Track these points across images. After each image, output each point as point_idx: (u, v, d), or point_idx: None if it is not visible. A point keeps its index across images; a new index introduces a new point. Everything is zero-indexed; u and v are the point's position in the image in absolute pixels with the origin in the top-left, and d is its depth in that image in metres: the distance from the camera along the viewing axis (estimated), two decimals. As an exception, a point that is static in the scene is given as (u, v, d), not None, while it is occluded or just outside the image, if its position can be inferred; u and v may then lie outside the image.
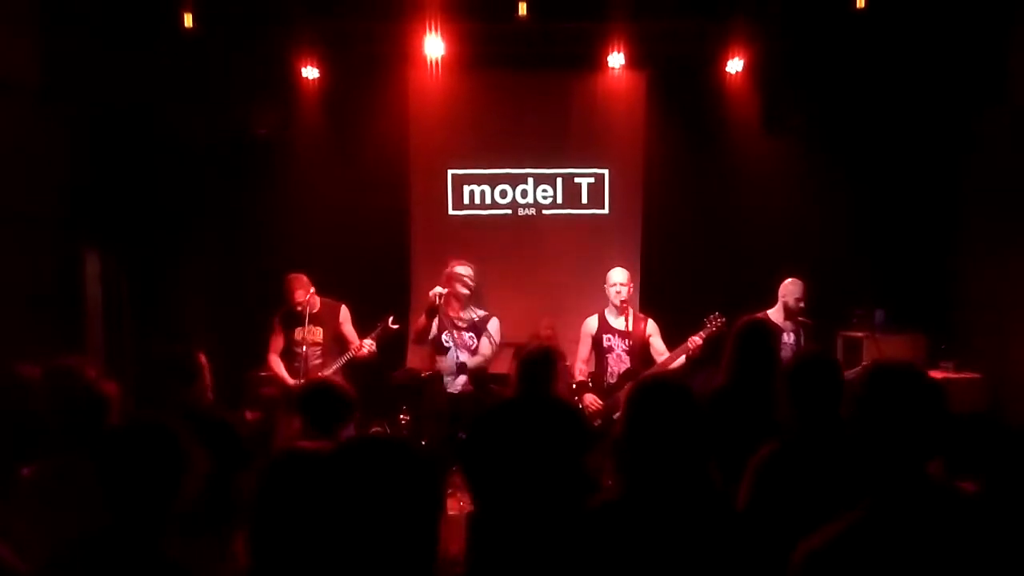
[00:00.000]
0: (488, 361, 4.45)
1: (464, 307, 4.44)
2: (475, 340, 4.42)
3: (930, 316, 5.55)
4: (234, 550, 2.05)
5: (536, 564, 1.77)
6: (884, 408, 1.50)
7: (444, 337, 4.40)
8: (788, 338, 4.67)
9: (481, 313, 4.49)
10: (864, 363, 4.97)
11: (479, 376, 4.42)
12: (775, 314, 4.71)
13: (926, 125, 5.66)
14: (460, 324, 4.41)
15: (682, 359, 4.37)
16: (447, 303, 4.41)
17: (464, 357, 4.38)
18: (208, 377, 2.90)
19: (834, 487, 2.01)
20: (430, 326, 4.40)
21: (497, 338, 4.43)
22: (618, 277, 4.47)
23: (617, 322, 4.46)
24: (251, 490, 1.61)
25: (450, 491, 4.82)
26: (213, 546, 2.16)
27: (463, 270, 4.41)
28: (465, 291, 4.40)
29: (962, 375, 5.11)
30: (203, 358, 2.90)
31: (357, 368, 4.78)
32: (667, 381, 1.93)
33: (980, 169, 5.42)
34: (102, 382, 2.44)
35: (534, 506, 1.82)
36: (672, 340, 4.47)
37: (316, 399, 2.68)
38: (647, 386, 1.88)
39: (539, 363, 2.98)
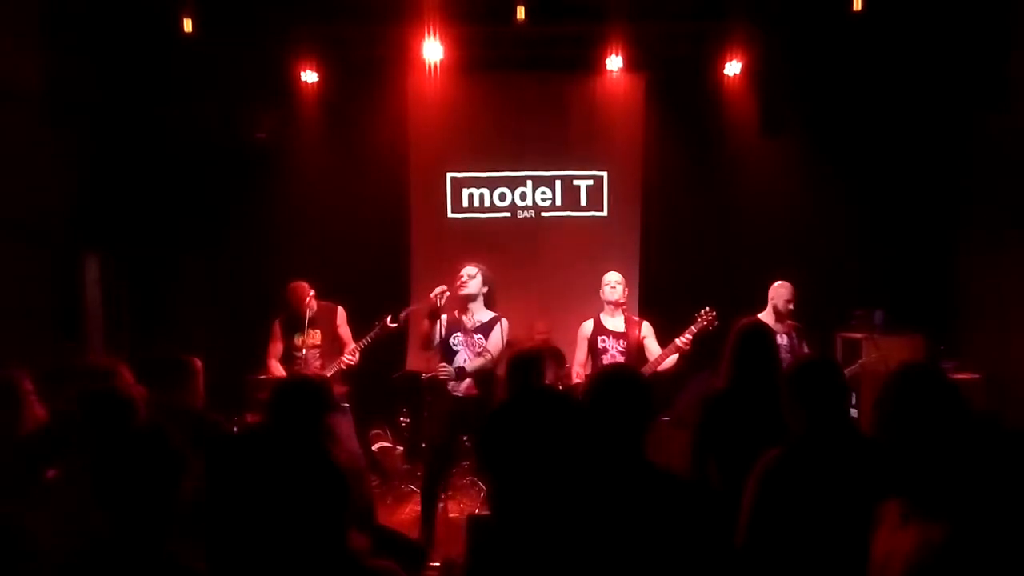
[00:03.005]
0: (493, 363, 4.26)
1: (471, 308, 4.29)
2: (485, 341, 4.26)
3: (930, 317, 5.54)
4: None
5: (544, 561, 1.80)
6: (918, 410, 1.53)
7: (452, 340, 4.26)
8: (781, 340, 4.67)
9: (490, 315, 4.31)
10: (861, 360, 4.99)
11: (486, 379, 4.25)
12: (766, 317, 4.72)
13: (925, 126, 5.66)
14: (469, 325, 4.27)
15: (675, 357, 4.36)
16: (453, 305, 4.28)
17: (469, 359, 4.22)
18: (200, 382, 2.90)
19: (842, 489, 2.01)
20: (433, 329, 4.25)
21: (503, 340, 4.26)
22: (611, 276, 4.51)
23: (612, 324, 4.47)
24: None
25: (450, 493, 4.83)
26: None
27: (466, 270, 4.28)
28: (466, 291, 4.24)
29: (962, 376, 5.11)
30: (198, 363, 2.91)
31: (356, 371, 4.78)
32: (620, 370, 2.13)
33: (979, 170, 5.42)
34: (128, 385, 2.46)
35: (551, 501, 1.86)
36: (670, 342, 4.46)
37: (283, 402, 2.63)
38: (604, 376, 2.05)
39: (529, 362, 3.07)
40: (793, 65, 5.69)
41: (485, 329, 4.27)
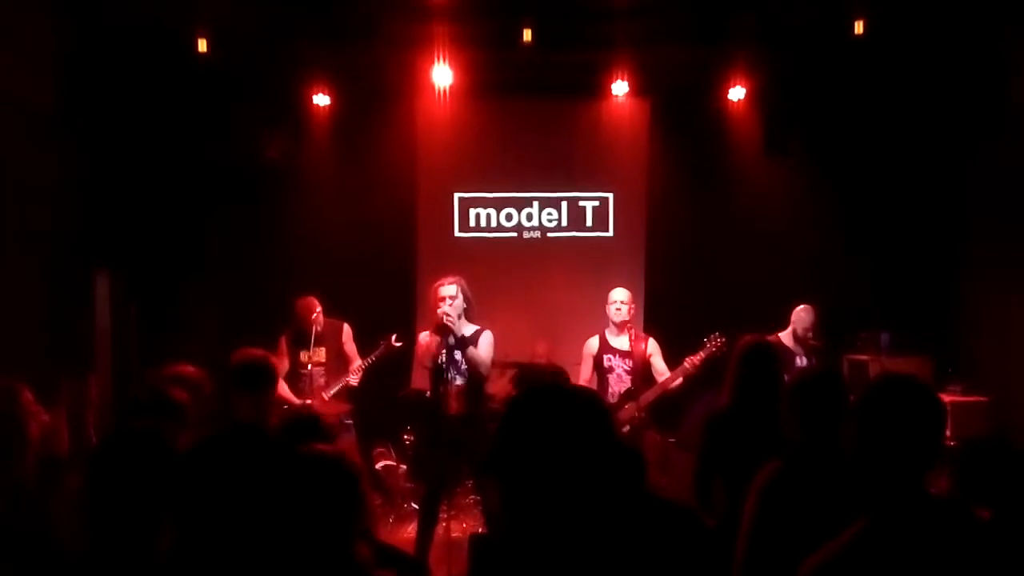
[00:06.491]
0: (484, 368, 4.13)
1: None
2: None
3: (937, 339, 5.53)
4: None
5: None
6: (882, 419, 1.53)
7: (439, 359, 4.08)
8: (800, 361, 4.69)
9: (473, 328, 4.15)
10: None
11: (475, 397, 4.13)
12: (786, 337, 4.74)
13: (928, 148, 5.70)
14: (452, 343, 4.09)
15: (681, 379, 4.36)
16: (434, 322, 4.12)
17: (457, 378, 4.07)
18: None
19: (838, 503, 2.01)
20: (438, 345, 4.08)
21: (490, 351, 4.13)
22: (618, 295, 4.46)
23: (618, 342, 4.46)
24: None
25: (453, 512, 4.79)
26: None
27: (444, 291, 4.09)
28: (451, 317, 4.03)
29: (969, 398, 5.09)
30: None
31: (360, 389, 4.79)
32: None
33: (984, 191, 5.44)
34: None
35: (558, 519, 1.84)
36: (675, 363, 4.46)
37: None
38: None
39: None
40: (795, 89, 5.75)
41: (470, 343, 4.11)
